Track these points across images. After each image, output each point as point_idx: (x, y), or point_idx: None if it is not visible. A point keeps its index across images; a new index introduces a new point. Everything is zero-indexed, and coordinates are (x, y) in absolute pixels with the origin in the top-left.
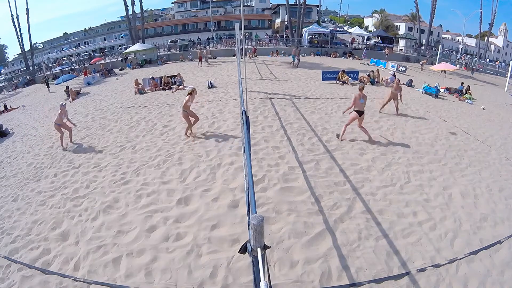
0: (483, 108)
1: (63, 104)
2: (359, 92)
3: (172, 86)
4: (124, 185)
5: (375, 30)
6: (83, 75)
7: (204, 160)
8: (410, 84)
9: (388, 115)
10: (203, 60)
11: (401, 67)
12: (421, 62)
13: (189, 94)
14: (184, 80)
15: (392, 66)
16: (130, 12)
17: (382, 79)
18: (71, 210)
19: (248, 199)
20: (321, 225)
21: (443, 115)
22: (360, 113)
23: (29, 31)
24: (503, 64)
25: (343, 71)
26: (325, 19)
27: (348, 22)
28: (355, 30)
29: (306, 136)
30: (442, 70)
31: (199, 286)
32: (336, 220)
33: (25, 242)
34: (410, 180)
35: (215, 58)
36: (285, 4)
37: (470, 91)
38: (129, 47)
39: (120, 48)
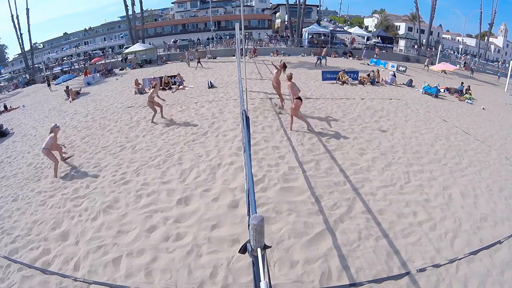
0: (483, 108)
1: (57, 125)
2: (290, 82)
3: (172, 86)
4: (124, 185)
5: (375, 30)
6: (83, 75)
7: (204, 160)
8: (410, 84)
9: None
10: (188, 61)
11: (401, 67)
12: (425, 63)
13: (153, 87)
14: (184, 80)
15: (392, 66)
16: (130, 12)
17: (382, 79)
18: (71, 210)
19: (248, 199)
20: (321, 225)
21: (443, 115)
22: (300, 99)
23: (29, 31)
24: (506, 65)
25: (343, 71)
26: (325, 19)
27: (348, 22)
28: (355, 30)
29: (306, 136)
30: (442, 70)
31: (199, 286)
32: (336, 220)
33: (25, 242)
34: (410, 180)
35: (215, 58)
36: (285, 4)
37: (470, 91)
38: (129, 47)
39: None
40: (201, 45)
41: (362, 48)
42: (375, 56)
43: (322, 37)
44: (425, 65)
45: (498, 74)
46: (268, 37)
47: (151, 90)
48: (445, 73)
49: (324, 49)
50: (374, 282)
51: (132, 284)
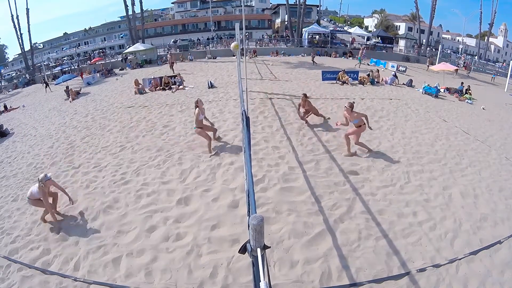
0: (483, 108)
1: (48, 177)
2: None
3: (172, 86)
4: (124, 185)
5: (375, 30)
6: (80, 76)
7: (204, 160)
8: (410, 84)
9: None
10: (170, 64)
11: (401, 67)
12: (427, 64)
13: (196, 106)
14: (184, 80)
15: (392, 66)
16: (130, 12)
17: (382, 79)
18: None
19: (248, 200)
20: (321, 225)
21: (443, 115)
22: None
23: (29, 31)
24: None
25: (343, 71)
26: (325, 19)
27: (348, 22)
28: (355, 30)
29: (306, 136)
30: (454, 70)
31: (199, 286)
32: (336, 220)
33: (25, 242)
34: (410, 180)
35: (215, 58)
36: (285, 4)
37: (470, 91)
38: (129, 47)
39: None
40: (201, 45)
41: (362, 48)
42: (361, 54)
43: (328, 38)
44: (427, 66)
45: (493, 76)
46: (268, 37)
47: (196, 112)
48: (456, 72)
49: (360, 51)
50: (374, 282)
51: (132, 284)
